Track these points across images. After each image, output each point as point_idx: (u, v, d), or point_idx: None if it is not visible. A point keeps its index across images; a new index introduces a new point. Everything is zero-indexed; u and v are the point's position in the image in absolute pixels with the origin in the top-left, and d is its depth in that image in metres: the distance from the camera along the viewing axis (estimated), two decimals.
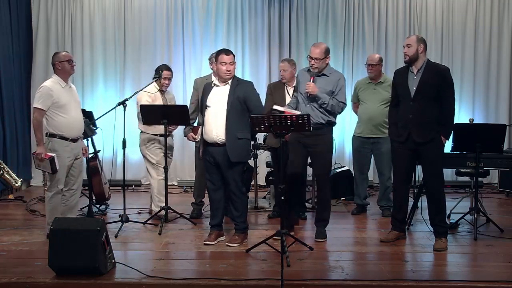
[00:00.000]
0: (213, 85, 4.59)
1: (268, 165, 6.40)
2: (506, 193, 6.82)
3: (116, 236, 4.78)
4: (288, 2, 7.39)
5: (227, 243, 4.56)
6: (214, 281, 3.70)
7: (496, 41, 7.47)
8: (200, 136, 4.77)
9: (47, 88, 4.56)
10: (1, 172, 5.85)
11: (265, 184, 6.80)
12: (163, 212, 5.14)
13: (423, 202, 4.89)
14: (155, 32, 7.48)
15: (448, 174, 6.92)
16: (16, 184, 5.95)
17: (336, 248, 4.52)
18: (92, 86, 7.49)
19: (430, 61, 4.52)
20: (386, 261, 4.18)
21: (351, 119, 7.10)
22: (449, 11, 7.48)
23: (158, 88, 5.47)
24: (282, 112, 4.29)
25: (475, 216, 4.88)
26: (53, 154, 4.51)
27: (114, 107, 5.14)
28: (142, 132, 5.54)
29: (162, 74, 5.40)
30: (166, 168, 5.20)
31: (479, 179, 5.30)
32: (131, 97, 5.26)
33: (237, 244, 4.53)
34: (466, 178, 5.73)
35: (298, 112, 4.34)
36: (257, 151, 5.86)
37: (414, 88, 4.40)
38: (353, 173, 6.06)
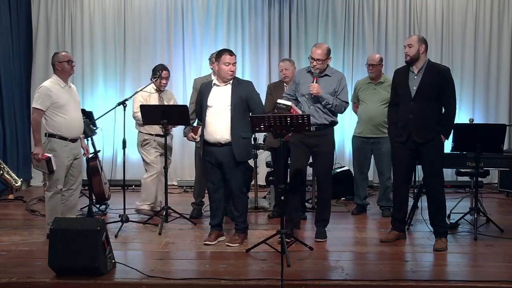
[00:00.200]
0: (212, 85, 4.58)
1: (268, 165, 6.40)
2: (506, 193, 6.82)
3: (116, 236, 4.78)
4: (288, 2, 7.39)
5: (227, 243, 4.56)
6: (214, 281, 3.70)
7: (496, 41, 7.47)
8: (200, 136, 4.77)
9: (46, 88, 4.56)
10: (1, 172, 5.85)
11: (265, 184, 6.81)
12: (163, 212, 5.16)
13: (423, 202, 4.89)
14: (155, 32, 7.48)
15: (448, 174, 6.92)
16: (16, 184, 5.95)
17: (336, 248, 4.52)
18: (92, 86, 7.49)
19: (431, 61, 4.52)
20: (386, 261, 4.18)
21: (351, 119, 7.10)
22: (449, 11, 7.48)
23: (156, 88, 5.48)
24: (289, 106, 4.27)
25: (475, 216, 4.88)
26: (50, 155, 4.51)
27: (114, 107, 5.14)
28: (139, 132, 5.57)
29: (160, 73, 5.41)
30: (166, 168, 5.20)
31: (479, 179, 5.30)
32: (131, 97, 5.26)
33: (237, 244, 4.53)
34: (466, 178, 5.72)
35: (300, 111, 4.37)
36: (257, 151, 5.85)
37: (415, 88, 4.40)
38: (353, 173, 6.06)
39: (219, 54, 4.52)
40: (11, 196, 6.52)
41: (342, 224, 5.34)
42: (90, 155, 5.55)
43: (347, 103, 4.71)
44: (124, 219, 5.00)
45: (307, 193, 6.02)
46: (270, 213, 5.67)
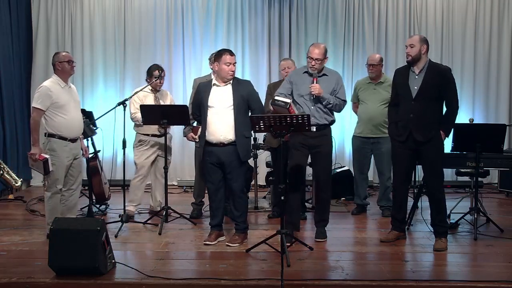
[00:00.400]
0: (212, 85, 4.57)
1: (268, 165, 6.40)
2: (506, 193, 6.81)
3: (116, 236, 4.77)
4: (288, 2, 7.39)
5: (227, 243, 4.56)
6: (214, 281, 3.70)
7: (496, 41, 7.47)
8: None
9: (46, 88, 4.56)
10: (1, 172, 5.85)
11: (265, 184, 6.81)
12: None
13: (423, 202, 4.90)
14: (155, 32, 7.48)
15: (448, 174, 6.92)
16: (16, 184, 5.94)
17: (336, 248, 4.52)
18: (92, 86, 7.49)
19: (432, 61, 4.52)
20: (386, 261, 4.18)
21: (351, 119, 7.10)
22: (449, 11, 7.48)
23: (152, 88, 5.47)
24: (288, 103, 4.24)
25: (475, 216, 4.88)
26: (47, 156, 4.51)
27: (114, 107, 5.14)
28: (136, 133, 5.58)
29: (161, 73, 5.41)
30: (166, 168, 5.20)
31: (479, 179, 5.30)
32: (131, 97, 5.26)
33: (237, 244, 4.53)
34: (466, 178, 5.72)
35: (296, 111, 4.36)
36: (257, 151, 5.86)
37: (416, 88, 4.40)
38: (353, 173, 6.06)
39: (219, 54, 4.51)
40: (11, 196, 6.52)
41: (342, 224, 5.34)
42: (90, 155, 5.56)
43: (345, 101, 4.72)
44: (124, 219, 5.00)
45: (307, 193, 6.02)
46: (270, 213, 5.67)
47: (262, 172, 6.72)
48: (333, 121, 4.69)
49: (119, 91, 7.45)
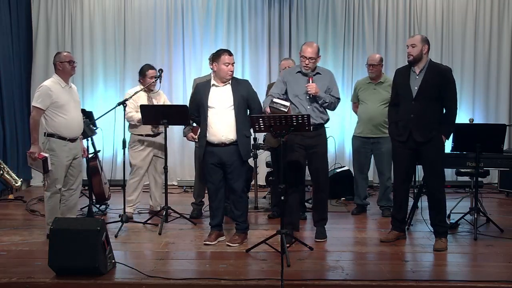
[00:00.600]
0: (211, 85, 4.57)
1: (268, 165, 6.40)
2: (506, 193, 6.81)
3: (116, 236, 4.78)
4: (288, 2, 7.39)
5: (227, 243, 4.56)
6: (214, 281, 3.70)
7: (496, 41, 7.47)
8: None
9: (47, 87, 4.57)
10: (1, 172, 5.85)
11: (265, 184, 6.81)
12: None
13: (423, 202, 4.90)
14: (155, 32, 7.48)
15: (448, 174, 6.92)
16: (16, 184, 5.95)
17: (336, 248, 4.52)
18: (92, 86, 7.49)
19: (432, 61, 4.52)
20: (386, 261, 4.18)
21: (351, 119, 7.10)
22: (449, 11, 7.48)
23: (144, 88, 5.45)
24: (287, 107, 4.22)
25: (475, 216, 4.88)
26: (46, 155, 4.52)
27: (114, 107, 5.14)
28: (131, 134, 5.56)
29: (161, 73, 5.40)
30: (166, 168, 5.19)
31: (479, 179, 5.30)
32: (131, 97, 5.26)
33: (237, 244, 4.53)
34: (466, 178, 5.72)
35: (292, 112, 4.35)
36: (257, 151, 5.86)
37: (416, 88, 4.40)
38: (353, 173, 6.06)
39: (217, 55, 4.51)
40: (11, 196, 6.52)
41: (342, 224, 5.34)
42: (90, 155, 5.56)
43: (339, 99, 4.72)
44: (124, 219, 5.00)
45: (307, 193, 6.01)
46: (270, 213, 5.67)
47: (262, 172, 6.73)
48: (328, 119, 4.71)
49: (119, 91, 7.45)
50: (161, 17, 7.45)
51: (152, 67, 5.54)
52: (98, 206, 5.83)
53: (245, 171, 4.62)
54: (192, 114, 4.72)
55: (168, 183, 5.28)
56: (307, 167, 4.92)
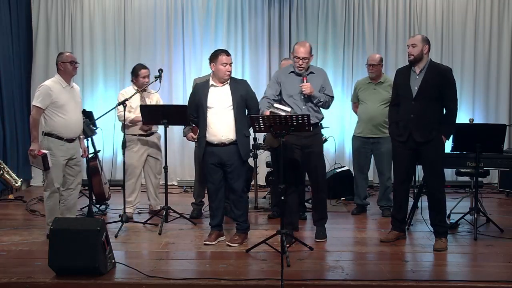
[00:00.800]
0: (210, 85, 4.56)
1: (268, 165, 6.40)
2: (506, 193, 6.81)
3: (116, 236, 4.78)
4: (288, 2, 7.39)
5: (227, 243, 4.56)
6: (214, 281, 3.70)
7: (496, 41, 7.47)
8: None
9: (47, 87, 4.59)
10: (1, 172, 5.85)
11: (265, 184, 6.81)
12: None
13: (423, 202, 4.90)
14: (155, 32, 7.48)
15: (448, 174, 6.92)
16: (16, 184, 5.95)
17: (336, 248, 4.52)
18: (92, 86, 7.49)
19: (433, 61, 4.52)
20: (386, 261, 4.18)
21: (351, 119, 7.10)
22: (449, 11, 7.48)
23: (137, 87, 5.44)
24: (287, 113, 4.19)
25: (475, 216, 4.88)
26: (45, 151, 4.55)
27: (114, 107, 5.14)
28: (124, 134, 5.52)
29: (161, 73, 5.39)
30: (166, 168, 5.19)
31: (479, 179, 5.30)
32: (131, 97, 5.25)
33: (237, 244, 4.53)
34: (466, 178, 5.72)
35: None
36: (257, 151, 5.86)
37: (416, 88, 4.40)
38: (353, 173, 6.06)
39: (215, 55, 4.50)
40: (11, 196, 6.52)
41: (342, 224, 5.34)
42: (90, 155, 5.56)
43: (333, 97, 4.71)
44: (124, 219, 5.00)
45: (307, 193, 6.01)
46: (270, 213, 5.67)
47: (262, 172, 6.73)
48: (322, 118, 4.72)
49: (119, 91, 7.38)
50: (161, 17, 7.45)
51: (144, 67, 5.51)
52: (98, 206, 5.83)
53: (245, 171, 4.63)
54: (191, 115, 4.71)
55: (168, 183, 5.28)
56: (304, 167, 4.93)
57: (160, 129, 5.63)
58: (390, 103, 4.82)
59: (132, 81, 5.55)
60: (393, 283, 3.68)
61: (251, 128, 4.35)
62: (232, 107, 4.47)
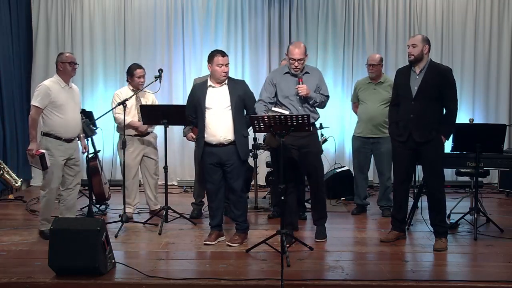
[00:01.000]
0: (208, 86, 4.56)
1: (268, 165, 6.40)
2: (506, 193, 6.82)
3: (116, 236, 4.78)
4: (288, 2, 7.39)
5: (227, 243, 4.56)
6: (214, 281, 3.70)
7: (496, 41, 7.47)
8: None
9: (46, 87, 4.60)
10: (1, 172, 5.85)
11: (265, 184, 6.81)
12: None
13: (423, 202, 4.90)
14: (155, 32, 7.48)
15: (448, 174, 6.92)
16: (16, 184, 5.95)
17: (336, 248, 4.52)
18: (92, 86, 7.49)
19: (433, 61, 4.52)
20: (386, 261, 4.18)
21: (351, 119, 7.10)
22: (449, 11, 7.48)
23: (132, 88, 5.41)
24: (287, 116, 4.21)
25: (475, 216, 4.89)
26: (43, 151, 4.55)
27: (114, 107, 5.14)
28: (120, 134, 5.51)
29: (161, 73, 5.38)
30: (165, 168, 5.19)
31: (479, 179, 5.30)
32: (131, 97, 5.24)
33: (237, 244, 4.53)
34: (466, 178, 5.72)
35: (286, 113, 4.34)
36: (257, 151, 5.85)
37: (416, 88, 4.40)
38: (353, 173, 6.06)
39: (211, 56, 4.50)
40: (11, 196, 6.52)
41: (342, 224, 5.34)
42: (90, 155, 5.56)
43: (328, 97, 4.70)
44: (124, 219, 5.00)
45: (307, 193, 6.01)
46: (270, 213, 5.67)
47: (262, 172, 6.73)
48: (318, 118, 4.72)
49: None
50: (161, 17, 7.45)
51: (140, 66, 5.48)
52: (98, 206, 5.83)
53: (244, 171, 4.63)
54: (190, 116, 4.70)
55: (168, 183, 5.28)
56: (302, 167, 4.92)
57: (158, 129, 5.64)
58: (390, 103, 4.82)
59: (127, 80, 5.51)
60: (393, 283, 3.68)
61: (251, 128, 4.35)
62: (230, 107, 4.47)
